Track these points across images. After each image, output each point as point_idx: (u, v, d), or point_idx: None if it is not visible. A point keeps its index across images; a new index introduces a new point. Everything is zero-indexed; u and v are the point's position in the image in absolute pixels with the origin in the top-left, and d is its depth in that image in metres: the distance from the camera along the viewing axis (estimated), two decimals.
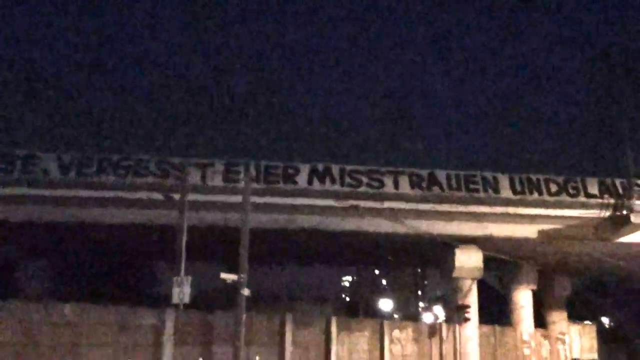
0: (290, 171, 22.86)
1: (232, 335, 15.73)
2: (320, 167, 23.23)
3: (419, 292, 74.45)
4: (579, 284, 37.83)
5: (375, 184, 23.28)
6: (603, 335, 41.28)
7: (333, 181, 23.08)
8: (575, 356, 36.04)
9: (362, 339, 20.54)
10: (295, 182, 22.72)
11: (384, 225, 23.82)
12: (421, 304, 72.88)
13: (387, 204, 23.27)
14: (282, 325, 17.87)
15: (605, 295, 44.89)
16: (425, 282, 74.51)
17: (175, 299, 16.19)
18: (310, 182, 22.90)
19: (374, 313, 54.65)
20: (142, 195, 21.98)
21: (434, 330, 24.58)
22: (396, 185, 23.43)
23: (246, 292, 15.78)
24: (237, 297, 15.81)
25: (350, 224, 23.79)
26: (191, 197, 19.59)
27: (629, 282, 38.48)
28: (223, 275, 16.01)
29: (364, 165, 23.99)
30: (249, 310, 16.35)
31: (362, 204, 23.07)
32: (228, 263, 19.84)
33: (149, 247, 28.92)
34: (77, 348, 13.70)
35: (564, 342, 35.19)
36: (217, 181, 22.31)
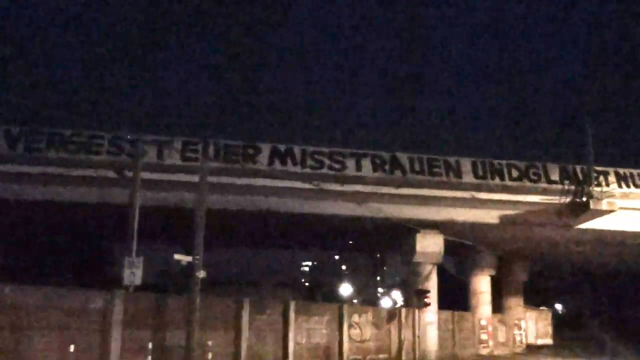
0: (251, 151, 22.20)
1: (185, 320, 15.08)
2: (281, 147, 22.62)
3: (378, 278, 74.87)
4: (535, 270, 38.14)
5: (337, 165, 22.81)
6: (558, 321, 41.89)
7: (294, 162, 22.52)
8: (530, 341, 36.47)
9: (321, 324, 20.12)
10: (255, 162, 22.06)
11: (346, 208, 23.40)
12: (380, 289, 73.27)
13: (348, 187, 22.85)
14: (239, 309, 17.25)
15: (560, 281, 45.56)
16: (385, 268, 74.92)
17: (126, 281, 15.49)
18: (271, 162, 22.29)
19: (333, 298, 54.54)
20: (94, 172, 21.03)
21: (393, 315, 24.36)
22: (358, 167, 23.02)
23: (201, 274, 15.11)
24: (192, 280, 15.14)
25: (312, 206, 23.31)
26: (147, 175, 18.86)
27: (584, 268, 39.08)
28: (177, 257, 15.32)
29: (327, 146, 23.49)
30: (205, 294, 15.69)
31: (324, 186, 22.58)
32: (185, 245, 19.15)
33: (101, 227, 27.89)
34: (20, 332, 12.85)
35: (520, 327, 35.56)
36: (175, 159, 21.52)
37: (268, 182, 22.22)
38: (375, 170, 23.18)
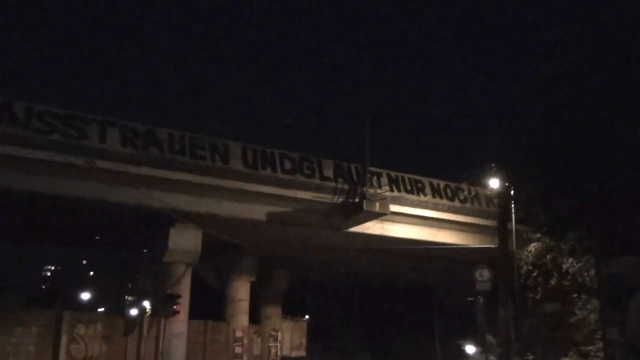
0: None
1: None
2: None
3: (129, 285, 69.11)
4: (295, 277, 36.36)
5: (74, 132, 17.89)
6: (312, 332, 40.81)
7: (14, 122, 17.07)
8: (285, 354, 34.50)
9: (27, 337, 15.08)
10: None
11: (82, 189, 18.50)
12: (130, 297, 67.41)
13: (86, 161, 17.97)
14: None
15: (319, 290, 44.81)
16: (137, 275, 69.34)
17: None
18: None
19: (74, 306, 47.73)
20: None
21: (132, 325, 19.94)
22: (103, 138, 18.36)
23: None
24: None
25: (33, 183, 17.86)
26: None
27: (346, 277, 38.37)
28: None
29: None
30: None
31: (54, 157, 17.47)
32: None
33: None
34: None
35: (276, 339, 33.36)
36: None
37: None
38: (125, 144, 18.71)
